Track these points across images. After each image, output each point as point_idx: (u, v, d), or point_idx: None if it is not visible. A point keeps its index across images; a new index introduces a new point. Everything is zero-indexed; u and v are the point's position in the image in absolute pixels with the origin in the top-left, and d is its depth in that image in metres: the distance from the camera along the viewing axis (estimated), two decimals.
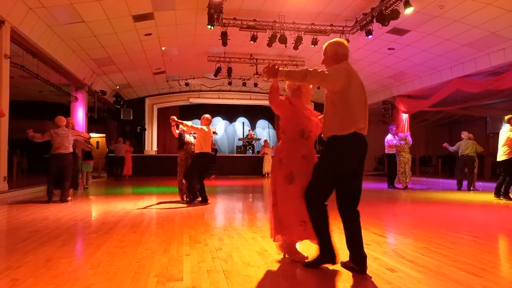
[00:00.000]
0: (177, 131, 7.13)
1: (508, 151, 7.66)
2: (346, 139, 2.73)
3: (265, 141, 17.00)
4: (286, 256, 3.14)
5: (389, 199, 8.13)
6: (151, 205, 6.66)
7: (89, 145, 10.03)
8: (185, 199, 7.07)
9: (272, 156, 3.16)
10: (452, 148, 10.32)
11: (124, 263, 3.01)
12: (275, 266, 2.95)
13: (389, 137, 10.66)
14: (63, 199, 7.02)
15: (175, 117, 6.88)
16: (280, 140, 3.24)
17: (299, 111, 3.12)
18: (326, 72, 2.78)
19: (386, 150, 10.85)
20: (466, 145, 10.01)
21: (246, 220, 5.26)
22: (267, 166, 15.50)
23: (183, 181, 6.93)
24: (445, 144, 10.54)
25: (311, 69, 2.78)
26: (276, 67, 2.86)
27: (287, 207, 2.97)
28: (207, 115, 6.99)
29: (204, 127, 6.80)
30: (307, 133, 3.09)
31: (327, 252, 2.83)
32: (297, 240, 3.12)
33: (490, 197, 8.31)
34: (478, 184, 10.79)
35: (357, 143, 2.76)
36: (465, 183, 10.18)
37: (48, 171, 7.26)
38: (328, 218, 2.84)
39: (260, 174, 16.39)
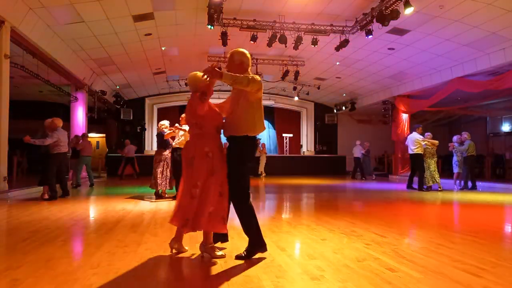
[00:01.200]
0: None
1: None
2: (253, 140, 3.29)
3: (263, 144, 17.37)
4: (174, 251, 3.32)
5: (389, 199, 8.14)
6: (151, 205, 6.66)
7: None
8: (159, 188, 7.61)
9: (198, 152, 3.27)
10: (462, 148, 10.13)
11: (124, 263, 3.01)
12: (275, 266, 2.95)
13: (418, 136, 9.82)
14: (66, 193, 7.64)
15: (177, 125, 7.33)
16: (191, 135, 3.35)
17: (213, 108, 3.37)
18: (259, 80, 3.18)
19: (413, 150, 9.81)
20: (473, 146, 10.08)
21: None
22: (262, 166, 16.46)
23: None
24: (451, 144, 10.33)
25: (250, 77, 3.11)
26: (219, 69, 3.02)
27: (212, 197, 3.12)
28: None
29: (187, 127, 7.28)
30: (220, 128, 3.36)
31: (258, 242, 3.21)
32: (213, 231, 3.26)
33: (490, 197, 8.31)
34: (477, 184, 10.79)
35: (257, 144, 3.40)
36: (460, 182, 10.32)
37: (47, 171, 7.44)
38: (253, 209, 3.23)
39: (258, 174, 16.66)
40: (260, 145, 16.98)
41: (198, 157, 3.17)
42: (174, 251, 3.31)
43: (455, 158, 10.47)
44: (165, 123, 7.58)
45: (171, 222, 3.25)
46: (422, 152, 9.76)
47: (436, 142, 9.78)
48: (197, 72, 3.34)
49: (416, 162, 9.92)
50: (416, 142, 9.82)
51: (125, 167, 14.37)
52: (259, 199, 8.18)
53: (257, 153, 16.45)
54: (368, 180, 14.59)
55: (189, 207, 3.14)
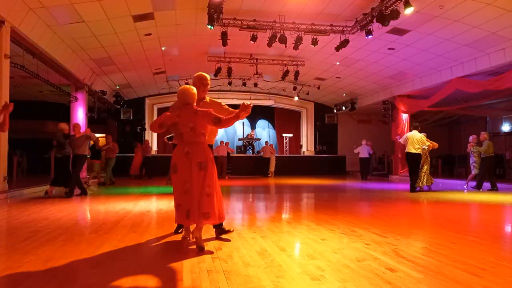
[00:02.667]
0: None
1: None
2: None
3: (271, 145, 17.68)
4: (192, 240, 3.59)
5: (389, 199, 8.14)
6: (151, 205, 6.66)
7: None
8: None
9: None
10: (481, 148, 9.83)
11: (124, 263, 3.01)
12: (275, 266, 2.95)
13: (421, 134, 9.46)
14: (71, 194, 7.90)
15: None
16: (200, 143, 3.63)
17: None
18: None
19: (417, 150, 9.30)
20: (491, 146, 9.83)
21: (246, 220, 5.26)
22: (272, 166, 16.78)
23: None
24: (470, 145, 10.02)
25: None
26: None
27: (219, 197, 3.71)
28: None
29: None
30: None
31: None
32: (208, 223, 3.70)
33: (490, 197, 8.31)
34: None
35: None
36: (471, 183, 10.21)
37: (76, 170, 7.99)
38: None
39: (257, 173, 16.73)
40: (268, 146, 17.17)
41: (210, 162, 3.62)
42: (193, 239, 3.54)
43: (472, 159, 10.01)
44: None
45: (189, 222, 3.52)
46: (419, 152, 9.46)
47: (437, 144, 9.70)
48: (191, 86, 3.68)
49: (418, 162, 9.46)
50: (420, 141, 9.38)
51: (142, 167, 14.61)
52: (260, 199, 8.19)
53: (268, 154, 16.65)
54: (367, 180, 14.59)
55: (206, 203, 3.48)
